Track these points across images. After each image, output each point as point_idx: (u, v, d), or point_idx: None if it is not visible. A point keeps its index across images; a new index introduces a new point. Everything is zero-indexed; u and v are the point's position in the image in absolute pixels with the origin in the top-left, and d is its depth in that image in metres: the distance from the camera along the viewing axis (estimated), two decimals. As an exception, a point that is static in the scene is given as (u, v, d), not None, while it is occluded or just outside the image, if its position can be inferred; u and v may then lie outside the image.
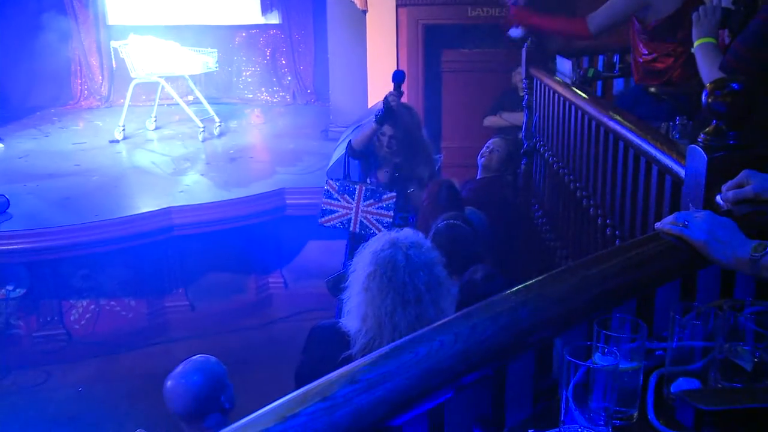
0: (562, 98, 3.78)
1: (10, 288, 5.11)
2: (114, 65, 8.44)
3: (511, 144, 4.81)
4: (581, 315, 1.37)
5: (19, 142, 7.12)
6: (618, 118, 2.85)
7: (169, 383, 2.60)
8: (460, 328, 1.25)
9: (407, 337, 1.21)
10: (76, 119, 8.09)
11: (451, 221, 3.24)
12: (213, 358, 2.69)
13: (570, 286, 1.38)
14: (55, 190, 5.74)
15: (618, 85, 4.76)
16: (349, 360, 2.02)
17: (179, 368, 2.62)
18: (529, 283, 1.38)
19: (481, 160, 4.70)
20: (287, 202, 5.63)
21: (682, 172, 2.08)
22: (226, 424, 2.56)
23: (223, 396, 2.60)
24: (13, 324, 5.18)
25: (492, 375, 1.29)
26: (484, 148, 4.73)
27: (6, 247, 4.86)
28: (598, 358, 1.20)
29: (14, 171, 6.11)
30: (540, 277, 1.39)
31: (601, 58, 4.69)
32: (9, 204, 5.24)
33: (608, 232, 3.04)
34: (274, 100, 8.80)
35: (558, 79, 3.94)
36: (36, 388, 4.74)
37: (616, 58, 4.59)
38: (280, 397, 1.11)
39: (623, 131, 2.75)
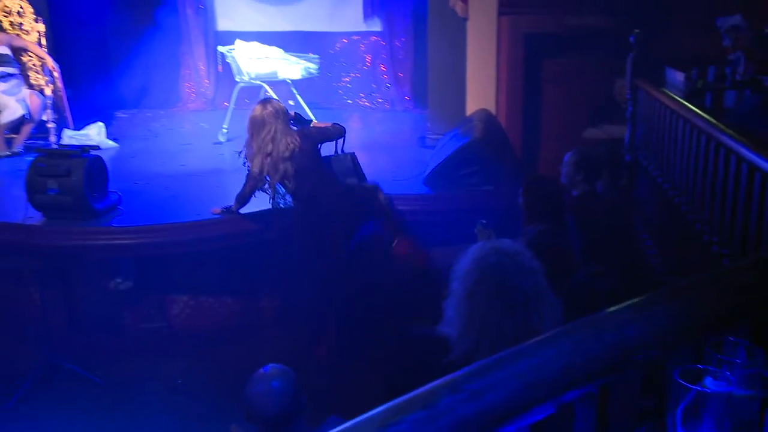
0: (669, 110, 3.67)
1: (119, 281, 5.36)
2: (220, 69, 8.73)
3: (579, 153, 4.67)
4: (691, 336, 1.33)
5: (131, 141, 7.46)
6: (730, 132, 2.75)
7: (256, 387, 2.53)
8: (563, 344, 1.23)
9: (511, 350, 1.21)
10: (183, 121, 8.41)
11: (542, 228, 3.20)
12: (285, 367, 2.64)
13: (680, 305, 1.34)
14: (161, 188, 5.98)
15: (729, 97, 4.56)
16: (451, 365, 2.02)
17: (262, 374, 2.57)
18: (636, 300, 1.34)
19: (563, 179, 4.63)
20: (384, 207, 5.66)
21: (801, 190, 1.98)
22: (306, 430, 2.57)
23: (304, 398, 2.58)
24: (121, 315, 5.43)
25: (595, 393, 1.27)
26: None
27: (116, 242, 5.10)
28: (709, 383, 1.15)
29: (126, 169, 6.40)
30: (648, 295, 1.36)
31: (711, 69, 4.50)
32: (121, 200, 5.50)
33: (715, 250, 2.92)
34: (373, 106, 8.89)
35: (665, 90, 3.82)
36: (138, 379, 4.92)
37: (727, 70, 4.40)
38: (378, 402, 1.12)
39: (736, 146, 2.64)
